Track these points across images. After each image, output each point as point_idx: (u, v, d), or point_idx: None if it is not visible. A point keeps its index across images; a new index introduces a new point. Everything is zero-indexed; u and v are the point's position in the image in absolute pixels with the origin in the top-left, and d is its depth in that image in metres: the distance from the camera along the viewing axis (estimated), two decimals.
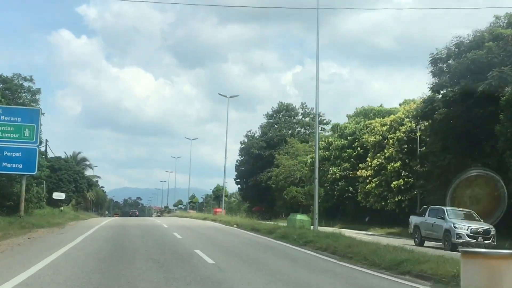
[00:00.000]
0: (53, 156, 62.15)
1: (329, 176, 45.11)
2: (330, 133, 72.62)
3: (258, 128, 77.47)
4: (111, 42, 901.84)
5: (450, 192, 22.98)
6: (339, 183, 44.38)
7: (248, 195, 77.42)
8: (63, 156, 65.98)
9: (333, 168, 45.25)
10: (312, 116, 77.29)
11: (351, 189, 43.67)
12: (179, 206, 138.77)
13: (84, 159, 76.48)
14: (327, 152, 46.22)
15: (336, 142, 45.60)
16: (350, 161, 44.80)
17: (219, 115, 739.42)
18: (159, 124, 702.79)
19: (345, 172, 44.64)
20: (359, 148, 44.52)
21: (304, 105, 77.96)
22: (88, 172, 78.58)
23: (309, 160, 48.70)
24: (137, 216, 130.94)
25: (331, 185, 45.19)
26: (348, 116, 49.91)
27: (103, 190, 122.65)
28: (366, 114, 47.39)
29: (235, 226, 30.31)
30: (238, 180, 78.32)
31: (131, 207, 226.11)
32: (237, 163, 78.28)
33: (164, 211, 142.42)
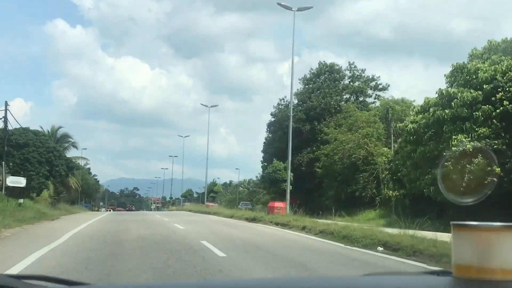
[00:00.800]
0: (19, 127, 44.39)
1: (453, 148, 27.18)
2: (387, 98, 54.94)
3: (294, 95, 59.13)
4: (107, 32, 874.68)
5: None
6: (475, 160, 26.43)
7: None
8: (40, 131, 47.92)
9: (459, 135, 27.35)
10: (363, 80, 59.11)
11: (497, 169, 25.76)
12: (187, 196, 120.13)
13: (67, 136, 58.15)
14: (446, 111, 28.21)
15: (464, 95, 27.59)
16: (492, 124, 26.91)
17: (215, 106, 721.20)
18: (155, 115, 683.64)
19: (483, 142, 26.69)
20: (506, 102, 26.61)
21: (352, 66, 59.70)
22: (72, 153, 59.97)
23: (410, 126, 30.74)
24: (133, 211, 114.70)
25: (457, 164, 27.23)
26: (471, 55, 31.94)
27: (95, 179, 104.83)
28: (507, 50, 29.54)
29: (380, 248, 12.51)
30: (266, 163, 60.66)
31: (128, 198, 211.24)
32: (266, 141, 60.47)
33: (167, 204, 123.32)
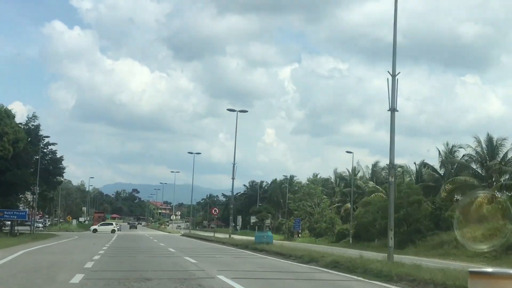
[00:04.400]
0: None
1: None
2: None
3: None
4: (105, 34, 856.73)
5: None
6: None
7: None
8: None
9: None
10: None
11: None
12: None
13: None
14: None
15: None
16: None
17: (215, 110, 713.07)
18: (154, 119, 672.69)
19: None
20: None
21: None
22: None
23: None
24: (135, 227, 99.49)
25: None
26: None
27: (58, 158, 55.36)
28: None
29: None
30: None
31: (125, 203, 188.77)
32: None
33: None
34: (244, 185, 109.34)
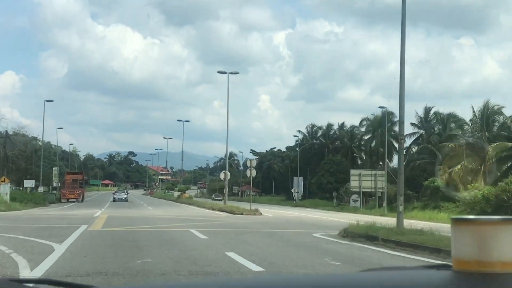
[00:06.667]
0: None
1: None
2: None
3: None
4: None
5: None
6: None
7: None
8: None
9: None
10: None
11: None
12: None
13: None
14: None
15: None
16: None
17: (209, 77, 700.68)
18: (148, 87, 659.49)
19: None
20: None
21: None
22: None
23: None
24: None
25: None
26: None
27: None
28: None
29: None
30: None
31: (121, 167, 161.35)
32: None
33: None
34: (299, 132, 77.05)
